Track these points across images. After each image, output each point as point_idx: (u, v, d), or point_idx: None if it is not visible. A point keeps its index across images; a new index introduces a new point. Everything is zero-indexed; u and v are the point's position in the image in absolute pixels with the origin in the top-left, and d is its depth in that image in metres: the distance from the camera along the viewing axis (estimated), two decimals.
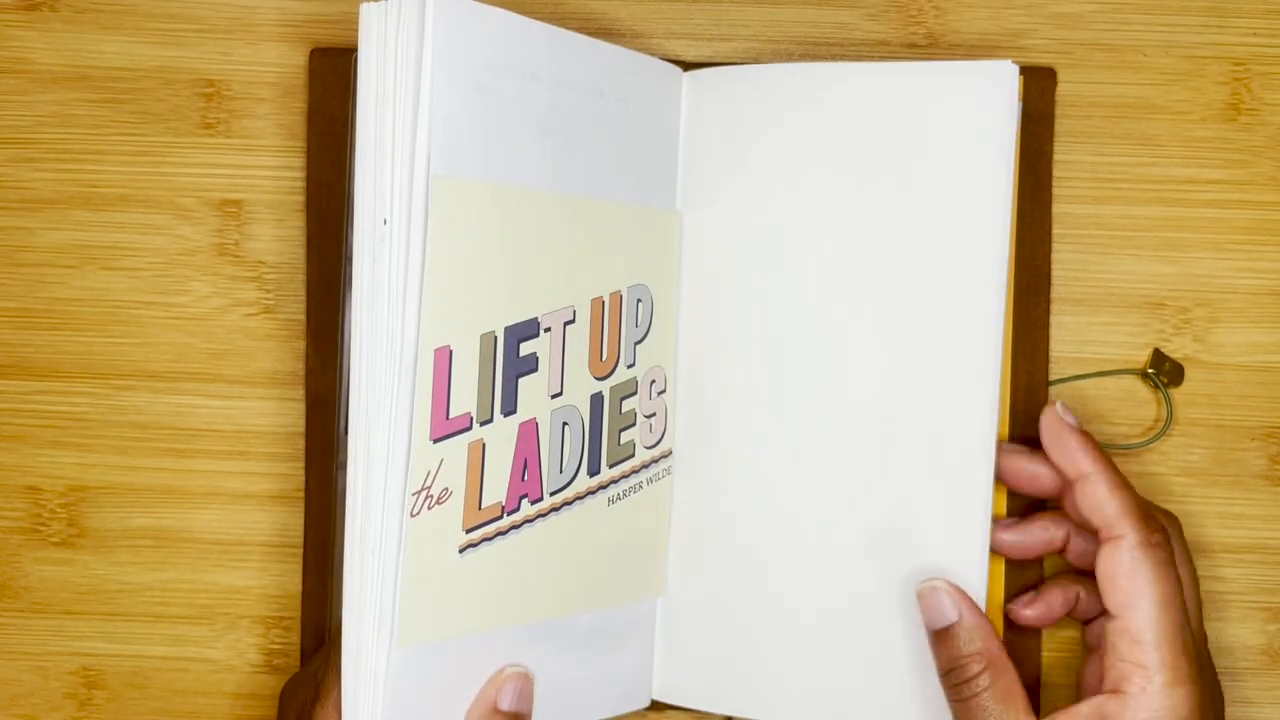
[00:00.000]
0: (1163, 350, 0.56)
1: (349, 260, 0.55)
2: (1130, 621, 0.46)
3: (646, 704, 0.54)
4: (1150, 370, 0.56)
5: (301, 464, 0.56)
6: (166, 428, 0.57)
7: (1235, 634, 0.56)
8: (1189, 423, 0.56)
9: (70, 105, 0.57)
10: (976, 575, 0.48)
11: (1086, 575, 0.51)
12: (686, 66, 0.54)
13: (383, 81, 0.44)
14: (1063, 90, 0.56)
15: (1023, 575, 0.53)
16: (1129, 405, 0.56)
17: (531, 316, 0.48)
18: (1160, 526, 0.48)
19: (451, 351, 0.45)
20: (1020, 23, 0.57)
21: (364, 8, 0.45)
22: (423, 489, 0.44)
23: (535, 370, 0.48)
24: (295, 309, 0.57)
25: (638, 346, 0.52)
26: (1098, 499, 0.47)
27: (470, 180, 0.45)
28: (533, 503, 0.48)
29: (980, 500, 0.48)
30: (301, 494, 0.56)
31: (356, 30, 0.45)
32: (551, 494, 0.49)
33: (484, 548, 0.46)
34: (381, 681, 0.44)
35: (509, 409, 0.47)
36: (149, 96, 0.57)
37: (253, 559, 0.57)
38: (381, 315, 0.44)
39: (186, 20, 0.57)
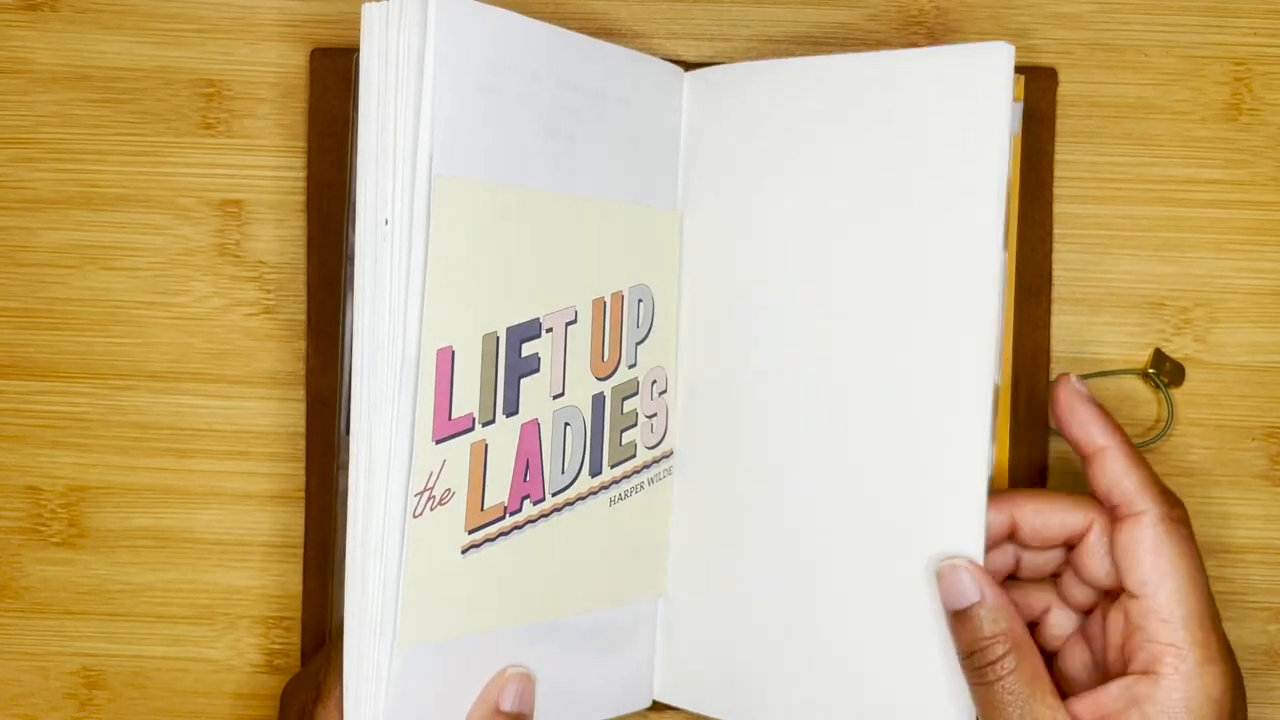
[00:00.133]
0: (1163, 350, 0.56)
1: (350, 260, 0.55)
2: (1157, 600, 0.45)
3: (648, 704, 0.54)
4: (1151, 370, 0.56)
5: (302, 464, 0.56)
6: (167, 428, 0.57)
7: (1235, 634, 0.56)
8: (1189, 423, 0.56)
9: (70, 105, 0.57)
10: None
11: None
12: (687, 66, 0.54)
13: (384, 81, 0.44)
14: (1063, 90, 0.56)
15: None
16: (1129, 405, 0.56)
17: (533, 317, 0.48)
18: (1180, 502, 0.46)
19: (453, 352, 0.45)
20: (1020, 23, 0.57)
21: (365, 8, 0.45)
22: (425, 490, 0.44)
23: (537, 371, 0.48)
24: (296, 309, 0.57)
25: (639, 347, 0.52)
26: (1116, 474, 0.46)
27: (472, 180, 0.45)
28: (535, 503, 0.48)
29: (976, 498, 0.47)
30: (302, 494, 0.56)
31: (357, 30, 0.45)
32: (553, 494, 0.49)
33: (486, 548, 0.46)
34: (383, 682, 0.44)
35: (511, 409, 0.47)
36: (149, 96, 0.57)
37: (253, 559, 0.57)
38: (383, 316, 0.44)
39: (187, 20, 0.57)
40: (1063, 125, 0.56)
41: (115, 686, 0.57)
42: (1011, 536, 0.49)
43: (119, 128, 0.57)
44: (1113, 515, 0.47)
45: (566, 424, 0.49)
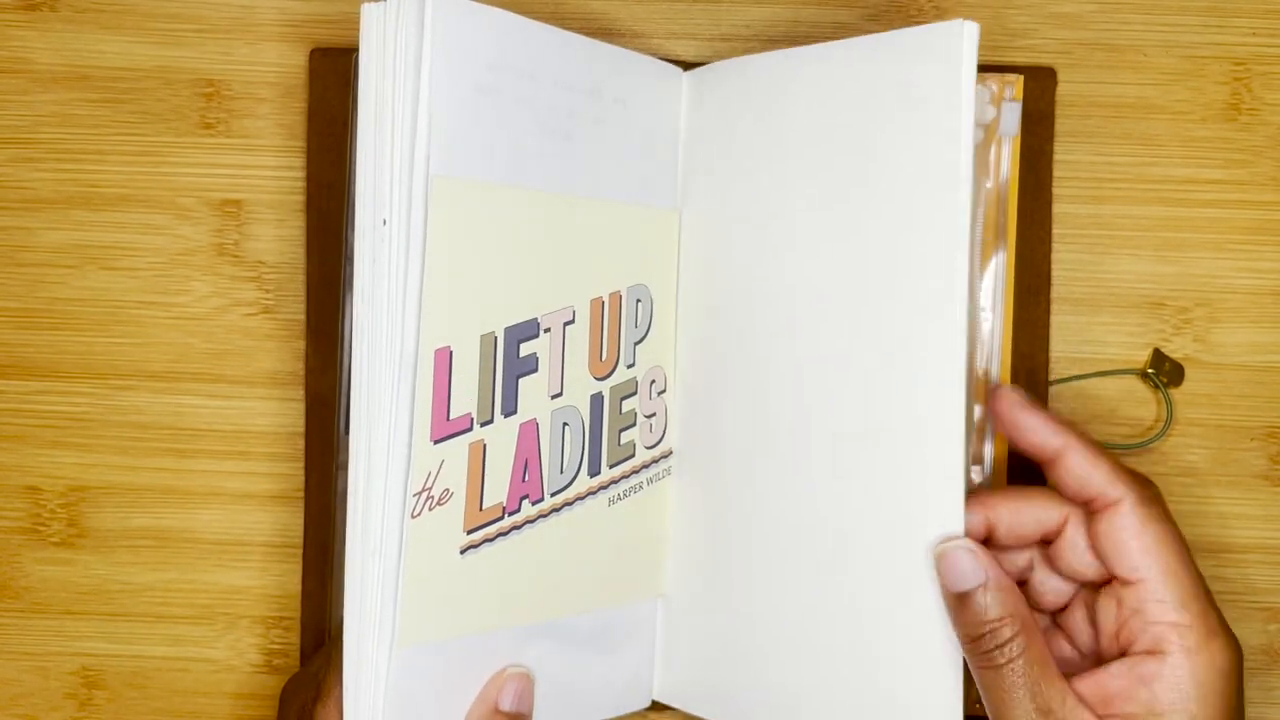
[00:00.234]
0: (1163, 350, 0.56)
1: (349, 260, 0.55)
2: (1152, 582, 0.44)
3: (647, 704, 0.54)
4: (1150, 370, 0.56)
5: (301, 464, 0.56)
6: (166, 428, 0.57)
7: (1235, 634, 0.56)
8: (1189, 423, 0.56)
9: (70, 105, 0.57)
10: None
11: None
12: (686, 66, 0.54)
13: (382, 81, 0.44)
14: (1063, 90, 0.56)
15: None
16: (1129, 405, 0.56)
17: (531, 317, 0.48)
18: (1150, 481, 0.46)
19: (452, 352, 0.45)
20: (1020, 23, 0.57)
21: (365, 8, 0.45)
22: (424, 490, 0.44)
23: (535, 371, 0.48)
24: (295, 309, 0.57)
25: (637, 346, 0.52)
26: (1082, 470, 0.46)
27: (470, 180, 0.45)
28: (533, 503, 0.48)
29: (954, 492, 0.47)
30: (301, 494, 0.56)
31: (357, 30, 0.45)
32: (552, 494, 0.49)
33: (485, 549, 0.47)
34: (382, 682, 0.44)
35: (509, 409, 0.47)
36: (149, 96, 0.57)
37: (253, 559, 0.57)
38: (381, 316, 0.44)
39: (186, 20, 0.57)
40: (1062, 125, 0.56)
41: (115, 686, 0.57)
42: (987, 541, 0.48)
43: (119, 128, 0.57)
44: (1088, 509, 0.47)
45: (565, 424, 0.49)
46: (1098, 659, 0.47)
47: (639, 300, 0.52)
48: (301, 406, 0.56)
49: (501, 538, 0.47)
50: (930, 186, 0.47)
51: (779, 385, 0.51)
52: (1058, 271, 0.56)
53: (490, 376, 0.46)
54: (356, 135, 0.45)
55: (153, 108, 0.57)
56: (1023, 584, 0.50)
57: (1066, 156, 0.56)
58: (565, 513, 0.49)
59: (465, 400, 0.45)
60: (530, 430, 0.48)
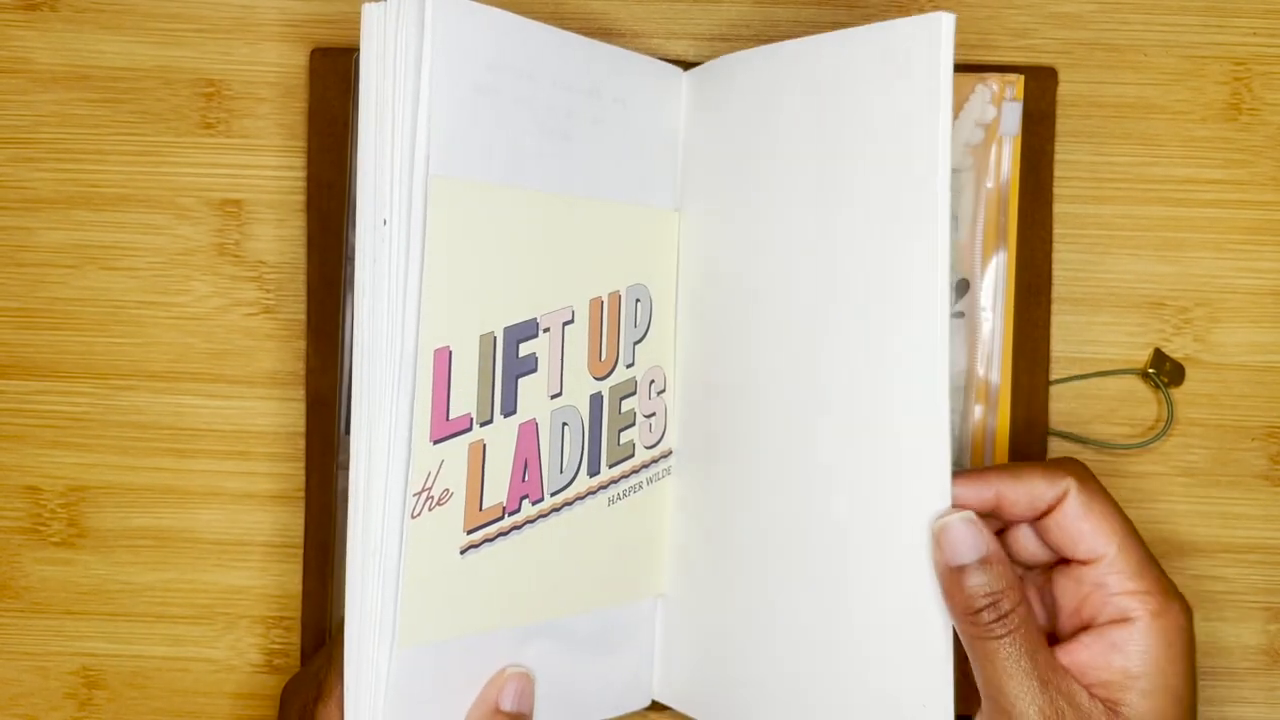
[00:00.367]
0: (1163, 350, 0.56)
1: (350, 260, 0.55)
2: (1110, 558, 0.46)
3: (646, 704, 0.54)
4: (1150, 370, 0.56)
5: (301, 464, 0.56)
6: (166, 428, 0.57)
7: (1235, 634, 0.56)
8: (1189, 423, 0.56)
9: (70, 105, 0.57)
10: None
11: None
12: (687, 66, 0.54)
13: (382, 82, 0.44)
14: (1063, 90, 0.56)
15: None
16: (1129, 405, 0.56)
17: (530, 317, 0.48)
18: (1074, 459, 0.48)
19: (451, 352, 0.45)
20: (1020, 23, 0.57)
21: (365, 8, 0.45)
22: (423, 490, 0.44)
23: (535, 371, 0.48)
24: (295, 309, 0.57)
25: (637, 346, 0.52)
26: (1019, 489, 0.47)
27: (469, 180, 0.45)
28: (533, 503, 0.48)
29: (942, 482, 0.47)
30: (301, 494, 0.56)
31: (357, 30, 0.45)
32: (552, 494, 0.49)
33: (485, 549, 0.47)
34: (383, 682, 0.44)
35: (509, 409, 0.47)
36: (149, 96, 0.57)
37: (253, 559, 0.57)
38: (381, 316, 0.44)
39: (187, 20, 0.57)
40: (1063, 125, 0.56)
41: (115, 686, 0.57)
42: (993, 515, 0.49)
43: (119, 128, 0.57)
44: (1038, 517, 0.47)
45: (565, 424, 0.49)
46: (1053, 636, 0.48)
47: (638, 300, 0.52)
48: (302, 406, 0.56)
49: (501, 538, 0.47)
50: (912, 179, 0.47)
51: (777, 384, 0.51)
52: (1058, 271, 0.56)
53: (490, 376, 0.46)
54: (357, 135, 0.45)
55: (153, 108, 0.57)
56: None
57: (1067, 156, 0.56)
58: (565, 513, 0.49)
59: (465, 400, 0.45)
60: (530, 430, 0.48)
